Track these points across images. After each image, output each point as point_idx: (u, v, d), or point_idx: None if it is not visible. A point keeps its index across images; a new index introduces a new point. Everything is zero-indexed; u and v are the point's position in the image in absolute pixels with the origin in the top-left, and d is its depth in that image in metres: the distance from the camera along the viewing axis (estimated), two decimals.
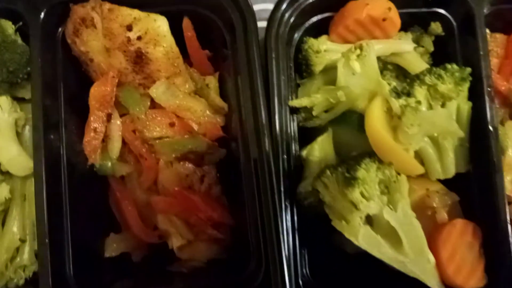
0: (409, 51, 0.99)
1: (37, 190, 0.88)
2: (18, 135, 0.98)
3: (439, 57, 1.02)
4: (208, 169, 1.04)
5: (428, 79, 0.88)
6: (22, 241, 0.96)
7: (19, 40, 0.95)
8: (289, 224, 0.91)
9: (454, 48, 1.00)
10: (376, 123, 0.87)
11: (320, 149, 0.94)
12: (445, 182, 0.94)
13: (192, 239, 1.01)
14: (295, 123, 0.96)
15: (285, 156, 0.92)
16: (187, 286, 0.94)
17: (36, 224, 0.88)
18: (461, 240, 0.89)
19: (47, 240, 0.87)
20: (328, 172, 0.85)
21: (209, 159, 1.04)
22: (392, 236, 0.85)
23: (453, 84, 0.89)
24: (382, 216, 0.83)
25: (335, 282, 0.94)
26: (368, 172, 0.84)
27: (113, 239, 1.02)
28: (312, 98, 0.91)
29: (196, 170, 1.03)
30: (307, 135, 0.97)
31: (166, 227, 1.01)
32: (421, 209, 0.90)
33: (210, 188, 1.04)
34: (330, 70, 0.98)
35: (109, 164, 1.02)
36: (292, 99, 0.96)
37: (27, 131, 0.99)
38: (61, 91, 0.97)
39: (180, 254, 1.00)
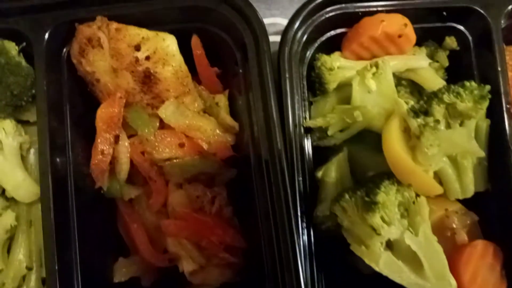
0: (424, 67, 0.97)
1: (44, 216, 0.86)
2: (23, 158, 0.95)
3: (454, 72, 1.00)
4: (219, 190, 1.02)
5: (446, 97, 0.86)
6: (29, 269, 0.92)
7: (23, 62, 0.91)
8: (306, 246, 0.88)
9: (470, 63, 0.98)
10: (395, 144, 0.85)
11: (335, 170, 0.91)
12: (463, 202, 0.92)
13: (203, 263, 0.98)
14: (309, 142, 0.93)
15: (300, 178, 0.89)
16: None
17: (44, 252, 0.85)
18: (482, 261, 0.87)
19: (56, 268, 0.84)
20: (346, 196, 0.83)
21: (220, 180, 1.01)
22: (413, 261, 0.82)
23: (472, 103, 0.86)
24: (402, 240, 0.81)
25: None
26: (387, 195, 0.81)
27: (122, 264, 0.99)
28: (328, 118, 0.89)
29: (207, 191, 1.00)
30: (321, 154, 0.95)
31: (176, 251, 0.99)
32: (440, 230, 0.88)
33: (221, 210, 1.01)
34: (344, 87, 0.95)
35: (117, 186, 0.99)
36: (305, 117, 0.93)
37: (32, 155, 0.96)
38: (67, 112, 0.95)
39: (192, 278, 0.97)
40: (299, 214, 0.88)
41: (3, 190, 0.93)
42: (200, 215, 0.98)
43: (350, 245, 0.86)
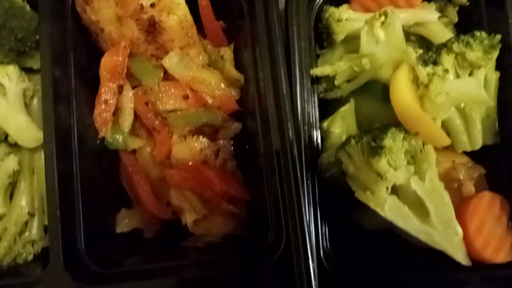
0: (433, 21, 0.95)
1: (47, 161, 0.85)
2: (26, 107, 0.95)
3: (464, 28, 0.98)
4: (223, 144, 1.01)
5: (456, 47, 0.85)
6: (31, 215, 0.92)
7: (27, 7, 0.91)
8: (310, 197, 0.87)
9: (480, 18, 0.96)
10: (403, 91, 0.83)
11: (341, 121, 0.90)
12: (471, 155, 0.91)
13: (206, 214, 0.97)
14: (316, 95, 0.92)
15: (306, 128, 0.88)
16: (202, 260, 0.90)
17: (46, 196, 0.84)
18: (489, 213, 0.85)
19: (58, 213, 0.83)
20: (352, 141, 0.82)
21: (224, 134, 1.00)
22: (419, 207, 0.81)
23: (482, 52, 0.85)
24: (408, 186, 0.80)
25: (355, 257, 0.90)
26: (394, 141, 0.80)
27: (124, 215, 0.99)
28: (335, 66, 0.88)
29: (211, 144, 1.00)
30: (327, 108, 0.94)
31: (179, 203, 0.98)
32: (447, 182, 0.86)
33: (225, 163, 1.00)
34: (352, 40, 0.94)
35: (121, 138, 0.98)
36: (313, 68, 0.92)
37: (35, 103, 0.96)
38: (71, 61, 0.93)
39: (195, 229, 0.97)
40: (304, 165, 0.87)
41: (6, 136, 0.92)
42: (204, 167, 0.97)
43: (354, 194, 0.85)
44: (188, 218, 0.98)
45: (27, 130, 0.89)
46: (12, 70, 0.90)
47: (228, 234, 0.97)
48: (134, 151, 1.02)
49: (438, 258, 0.85)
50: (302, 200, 0.83)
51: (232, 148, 1.02)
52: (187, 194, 0.98)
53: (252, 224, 0.98)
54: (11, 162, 0.90)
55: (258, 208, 0.96)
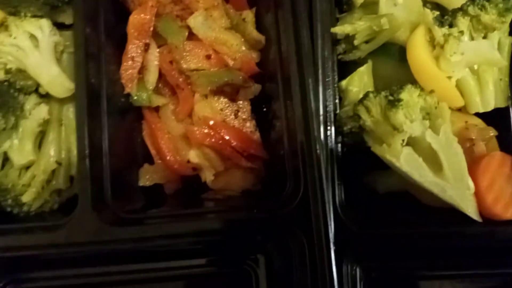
0: None
1: (78, 111, 0.90)
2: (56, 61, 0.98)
3: None
4: (242, 105, 1.05)
5: (471, 9, 0.88)
6: (59, 164, 0.96)
7: None
8: (328, 153, 0.90)
9: None
10: (419, 49, 0.87)
11: (359, 80, 0.94)
12: (483, 118, 0.94)
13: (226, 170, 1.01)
14: (335, 56, 0.96)
15: (325, 87, 0.91)
16: (221, 209, 0.94)
17: (77, 142, 0.88)
18: (500, 171, 0.89)
19: (87, 158, 0.87)
20: (371, 95, 0.85)
21: (244, 94, 1.04)
22: (432, 161, 0.85)
23: (496, 15, 0.88)
24: (423, 139, 0.83)
25: (369, 213, 0.94)
26: (411, 96, 0.84)
27: (147, 169, 1.03)
28: (355, 25, 0.91)
29: (231, 105, 1.04)
30: (345, 71, 0.97)
31: (199, 160, 1.02)
32: (460, 141, 0.89)
33: (244, 123, 1.04)
34: (370, 5, 0.97)
35: (145, 95, 1.02)
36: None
37: (65, 58, 0.99)
38: (101, 18, 0.97)
39: (214, 184, 1.01)
40: (321, 123, 0.90)
41: (37, 88, 0.96)
42: (224, 125, 1.01)
43: (368, 154, 0.89)
44: (208, 175, 1.02)
45: (59, 81, 0.93)
46: (45, 23, 0.94)
47: (246, 190, 1.01)
48: (156, 110, 1.06)
49: (450, 216, 0.89)
50: (321, 155, 0.87)
51: (251, 109, 1.06)
52: (207, 151, 1.01)
53: (270, 180, 1.02)
54: (42, 111, 0.93)
55: (275, 166, 1.00)
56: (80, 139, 0.88)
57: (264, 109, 1.08)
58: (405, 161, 0.82)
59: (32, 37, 0.93)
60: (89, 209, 0.85)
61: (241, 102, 1.05)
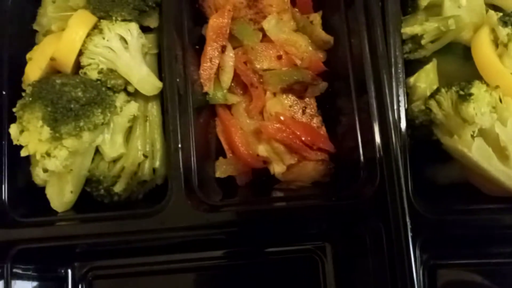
0: None
1: (170, 106, 0.98)
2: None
3: None
4: (309, 101, 1.12)
5: None
6: (145, 156, 1.03)
7: None
8: (401, 144, 0.96)
9: None
10: (485, 47, 0.94)
11: (426, 77, 1.01)
12: None
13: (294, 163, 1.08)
14: (402, 55, 1.02)
15: (397, 84, 0.98)
16: (294, 196, 1.02)
17: (171, 135, 0.96)
18: None
19: (179, 149, 0.95)
20: (443, 90, 0.92)
21: (312, 92, 1.11)
22: (500, 152, 0.91)
23: None
24: (492, 131, 0.90)
25: (440, 202, 0.99)
26: (479, 91, 0.91)
27: (222, 162, 1.10)
28: (424, 26, 0.98)
29: (299, 102, 1.11)
30: (410, 69, 1.04)
31: (268, 154, 1.09)
32: None
33: (311, 119, 1.11)
34: (433, 8, 1.04)
35: (220, 93, 1.10)
36: None
37: (148, 59, 1.07)
38: (184, 22, 1.04)
39: (284, 176, 1.08)
40: (396, 117, 0.96)
41: (125, 87, 1.04)
42: (293, 120, 1.08)
43: (440, 142, 0.96)
44: (276, 168, 1.09)
45: (148, 79, 1.01)
46: (133, 26, 1.02)
47: (316, 181, 1.08)
48: (229, 108, 1.13)
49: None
50: (395, 146, 0.93)
51: (317, 106, 1.13)
52: (277, 146, 1.08)
53: (339, 172, 1.08)
54: (133, 108, 1.01)
55: (343, 159, 1.07)
56: (173, 133, 0.96)
57: (327, 106, 1.15)
58: (477, 151, 0.89)
59: (122, 39, 1.01)
60: (183, 197, 0.93)
61: (308, 99, 1.12)
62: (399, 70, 0.99)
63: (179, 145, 0.95)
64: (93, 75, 1.00)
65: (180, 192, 0.93)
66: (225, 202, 0.99)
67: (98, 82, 1.00)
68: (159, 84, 1.01)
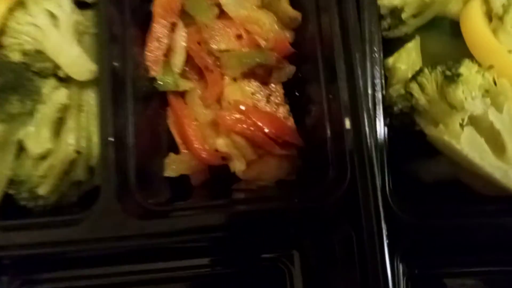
0: None
1: (102, 96, 0.83)
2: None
3: None
4: (274, 88, 0.97)
5: None
6: (78, 153, 0.88)
7: None
8: (376, 137, 0.82)
9: None
10: (476, 21, 0.80)
11: (407, 57, 0.86)
12: None
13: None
14: (380, 32, 0.88)
15: (372, 65, 0.83)
16: (257, 198, 0.87)
17: (100, 128, 0.81)
18: None
19: (112, 144, 0.80)
20: (426, 71, 0.78)
21: (277, 76, 0.96)
22: (494, 143, 0.77)
23: None
24: (484, 119, 0.76)
25: (420, 201, 0.85)
26: (470, 72, 0.76)
27: (172, 159, 0.95)
28: None
29: (262, 88, 0.96)
30: (390, 48, 0.89)
31: (228, 149, 0.94)
32: None
33: (277, 108, 0.96)
34: None
35: (171, 79, 0.94)
36: None
37: (86, 40, 0.92)
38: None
39: (246, 174, 0.93)
40: (370, 104, 0.82)
41: (55, 72, 0.89)
42: (256, 110, 0.93)
43: (424, 132, 0.82)
44: (238, 165, 0.94)
45: (79, 62, 0.86)
46: (65, 1, 0.87)
47: (281, 180, 0.93)
48: (182, 95, 0.98)
49: (507, 205, 0.81)
50: (369, 139, 0.79)
51: (284, 93, 0.98)
52: (237, 139, 0.93)
53: (306, 169, 0.93)
54: (61, 96, 0.86)
55: (311, 154, 0.93)
56: (103, 125, 0.81)
57: (297, 94, 1.00)
58: (466, 142, 0.75)
59: (51, 15, 0.86)
60: (113, 200, 0.78)
61: (273, 85, 0.97)
62: (375, 49, 0.84)
63: (111, 139, 0.79)
64: (16, 56, 0.86)
65: (111, 195, 0.78)
66: (170, 206, 0.84)
67: (23, 65, 0.86)
68: (92, 67, 0.86)
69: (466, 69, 0.76)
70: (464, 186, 0.86)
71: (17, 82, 0.81)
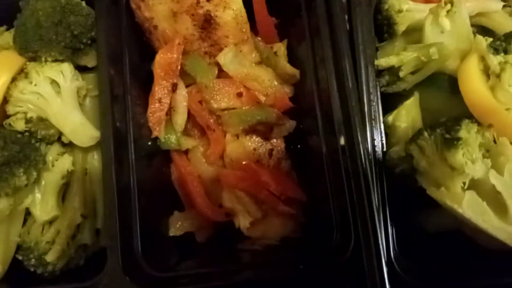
0: (497, 10, 0.92)
1: (105, 161, 0.83)
2: (79, 106, 0.92)
3: None
4: (276, 143, 0.98)
5: None
6: (84, 217, 0.89)
7: (83, 3, 0.90)
8: (379, 196, 0.82)
9: None
10: (474, 80, 0.80)
11: (407, 115, 0.86)
12: None
13: (261, 217, 0.94)
14: (378, 89, 0.88)
15: (371, 123, 0.84)
16: (261, 263, 0.86)
17: (104, 197, 0.82)
18: None
19: (116, 214, 0.80)
20: (425, 134, 0.77)
21: (278, 132, 0.97)
22: (496, 204, 0.76)
23: None
24: (486, 181, 0.75)
25: (425, 260, 0.85)
26: (469, 133, 0.76)
27: (177, 218, 0.96)
28: (401, 56, 0.84)
29: (264, 144, 0.97)
30: (389, 103, 0.90)
31: (232, 206, 0.95)
32: None
33: (279, 163, 0.97)
34: (412, 32, 0.91)
35: (174, 137, 0.95)
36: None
37: (88, 103, 0.93)
38: (126, 59, 0.90)
39: (250, 232, 0.93)
40: (371, 162, 0.82)
41: (59, 136, 0.90)
42: (258, 166, 0.94)
43: (419, 193, 0.81)
44: (242, 221, 0.94)
45: (82, 129, 0.87)
46: (66, 67, 0.88)
47: (286, 237, 0.93)
48: (185, 152, 0.99)
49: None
50: (372, 199, 0.79)
51: (285, 147, 0.99)
52: (241, 195, 0.94)
53: (311, 226, 0.93)
54: (66, 162, 0.87)
55: (315, 210, 0.93)
56: (107, 191, 0.81)
57: (299, 146, 1.01)
58: (468, 206, 0.74)
59: (54, 83, 0.88)
60: (119, 271, 0.78)
61: (275, 140, 0.98)
62: (374, 109, 0.85)
63: (116, 213, 0.80)
64: (20, 125, 0.87)
65: (117, 265, 0.78)
66: (175, 273, 0.83)
67: (26, 133, 0.87)
68: (95, 134, 0.87)
69: (466, 130, 0.76)
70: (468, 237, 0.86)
71: (22, 153, 0.82)
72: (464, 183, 0.75)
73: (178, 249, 0.94)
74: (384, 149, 0.86)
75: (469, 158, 0.75)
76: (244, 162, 0.94)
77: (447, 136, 0.76)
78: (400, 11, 0.89)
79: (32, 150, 0.84)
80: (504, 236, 0.76)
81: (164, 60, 0.92)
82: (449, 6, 0.84)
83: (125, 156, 0.86)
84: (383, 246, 0.78)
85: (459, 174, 0.75)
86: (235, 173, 0.93)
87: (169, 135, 0.95)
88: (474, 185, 0.77)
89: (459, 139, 0.74)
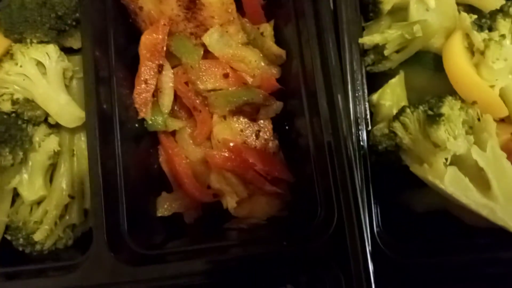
0: None
1: (90, 142, 0.84)
2: (65, 88, 0.93)
3: None
4: (263, 124, 0.98)
5: None
6: (71, 197, 0.90)
7: None
8: (363, 174, 0.82)
9: None
10: (458, 57, 0.80)
11: (392, 93, 0.86)
12: None
13: (249, 196, 0.94)
14: (363, 68, 0.88)
15: (356, 102, 0.84)
16: (248, 240, 0.87)
17: (89, 176, 0.82)
18: None
19: (101, 192, 0.81)
20: (408, 110, 0.78)
21: (265, 113, 0.97)
22: (480, 180, 0.76)
23: None
24: (468, 157, 0.75)
25: (409, 237, 0.85)
26: (452, 110, 0.76)
27: (165, 198, 0.96)
28: (385, 34, 0.84)
29: (251, 125, 0.97)
30: (375, 83, 0.90)
31: (220, 186, 0.95)
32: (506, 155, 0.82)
33: (266, 144, 0.97)
34: (398, 12, 0.90)
35: (160, 119, 0.96)
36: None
37: (74, 84, 0.94)
38: (111, 41, 0.91)
39: (237, 211, 0.94)
40: (354, 140, 0.83)
41: (46, 118, 0.90)
42: (245, 147, 0.94)
43: (404, 172, 0.82)
44: (230, 201, 0.95)
45: (68, 109, 0.88)
46: (52, 49, 0.89)
47: (272, 216, 0.94)
48: (173, 134, 0.99)
49: (497, 238, 0.80)
50: (355, 177, 0.79)
51: (272, 129, 0.99)
52: (228, 176, 0.94)
53: (297, 205, 0.94)
54: (52, 143, 0.88)
55: (302, 189, 0.93)
56: (93, 171, 0.82)
57: (286, 127, 1.01)
58: (450, 182, 0.74)
59: (39, 64, 0.88)
60: (105, 248, 0.79)
61: (262, 121, 0.98)
62: (359, 87, 0.84)
63: (100, 185, 0.81)
64: (6, 106, 0.88)
65: (103, 243, 0.79)
66: (162, 250, 0.84)
67: (13, 115, 0.87)
68: (81, 115, 0.88)
69: (449, 107, 0.76)
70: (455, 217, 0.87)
71: (7, 133, 0.83)
72: (446, 159, 0.75)
73: (166, 229, 0.95)
74: (369, 128, 0.86)
75: (451, 134, 0.75)
76: (231, 144, 0.94)
77: (430, 112, 0.76)
78: None
79: (18, 130, 0.85)
80: (486, 212, 0.76)
81: (150, 41, 0.92)
82: None
83: (110, 137, 0.87)
84: (365, 223, 0.79)
85: (441, 150, 0.75)
86: (222, 154, 0.93)
87: (155, 117, 0.95)
88: (457, 161, 0.77)
89: (441, 115, 0.75)
